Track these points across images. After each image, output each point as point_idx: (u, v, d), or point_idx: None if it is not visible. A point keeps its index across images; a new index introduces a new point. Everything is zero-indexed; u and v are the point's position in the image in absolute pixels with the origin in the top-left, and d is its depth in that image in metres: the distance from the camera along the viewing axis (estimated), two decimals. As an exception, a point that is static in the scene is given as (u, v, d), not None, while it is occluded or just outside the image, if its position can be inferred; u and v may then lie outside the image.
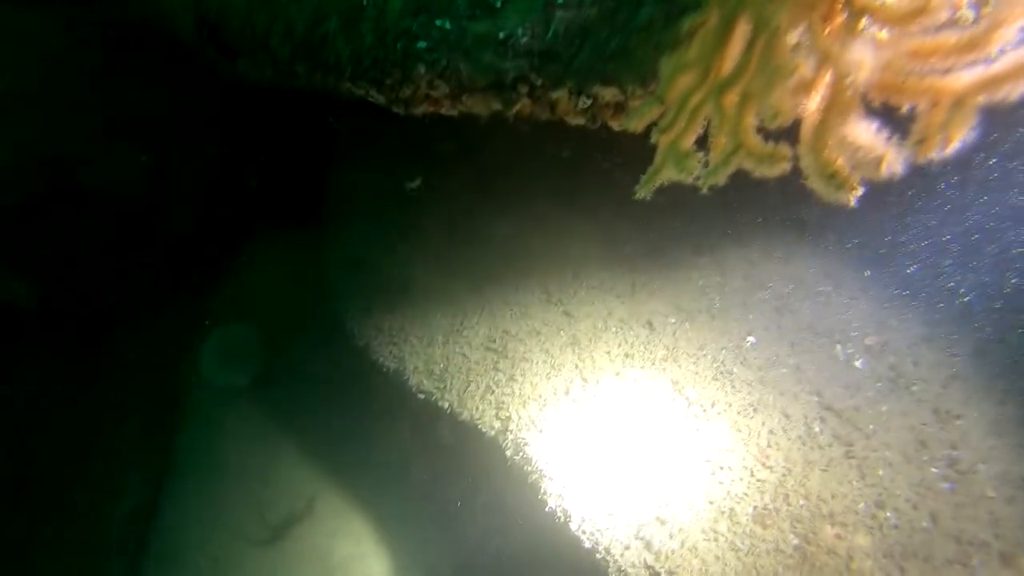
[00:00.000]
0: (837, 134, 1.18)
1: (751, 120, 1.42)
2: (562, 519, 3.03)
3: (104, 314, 5.73)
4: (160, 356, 5.76)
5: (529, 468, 3.19)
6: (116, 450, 5.51)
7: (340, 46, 2.18)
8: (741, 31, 1.64)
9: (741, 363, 3.25)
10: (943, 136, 1.11)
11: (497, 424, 3.34)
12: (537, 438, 3.23)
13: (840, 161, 1.17)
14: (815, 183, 1.22)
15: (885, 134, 1.12)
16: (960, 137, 1.11)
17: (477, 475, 3.66)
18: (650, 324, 3.50)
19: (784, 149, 1.31)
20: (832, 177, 1.18)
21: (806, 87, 1.28)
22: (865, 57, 1.13)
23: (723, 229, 3.68)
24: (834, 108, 1.20)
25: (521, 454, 3.24)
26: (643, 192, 1.65)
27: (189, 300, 5.83)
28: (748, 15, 1.59)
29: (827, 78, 1.29)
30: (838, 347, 3.24)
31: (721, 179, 1.44)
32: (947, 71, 1.15)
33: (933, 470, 2.76)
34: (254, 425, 5.30)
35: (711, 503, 2.83)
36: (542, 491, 3.12)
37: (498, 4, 1.99)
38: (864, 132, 1.14)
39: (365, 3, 2.12)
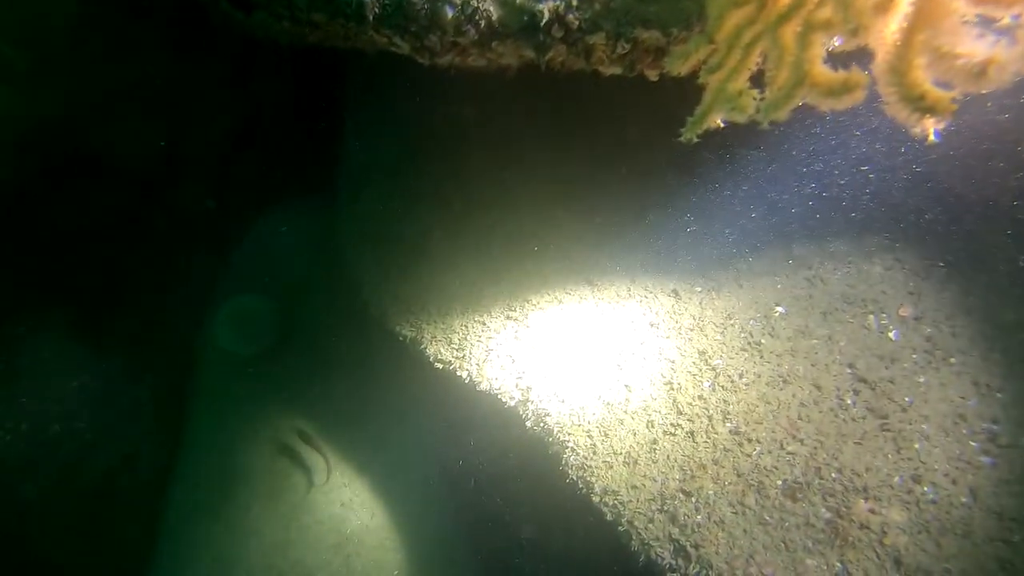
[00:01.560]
0: (927, 47, 1.06)
1: (817, 51, 1.29)
2: (584, 491, 2.96)
3: (117, 281, 5.70)
4: (174, 324, 5.73)
5: (550, 440, 3.12)
6: (129, 419, 5.50)
7: (362, -11, 2.06)
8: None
9: (770, 334, 3.15)
10: None
11: (518, 395, 3.26)
12: (559, 408, 3.15)
13: (928, 81, 1.05)
14: (897, 110, 1.10)
15: (989, 38, 0.99)
16: None
17: (497, 446, 3.60)
18: (676, 293, 3.39)
19: (859, 75, 1.19)
20: (920, 100, 1.06)
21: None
22: None
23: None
24: (924, 16, 1.07)
25: (542, 425, 3.16)
26: (690, 135, 1.53)
27: (202, 267, 5.78)
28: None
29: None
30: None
31: (783, 114, 1.32)
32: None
33: (973, 444, 2.66)
34: (269, 393, 5.27)
35: (739, 476, 2.75)
36: (563, 463, 3.05)
37: (531, -60, 1.86)
38: (962, 39, 1.01)
39: (389, -58, 2.00)
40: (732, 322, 3.20)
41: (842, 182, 3.37)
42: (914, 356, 2.97)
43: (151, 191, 5.76)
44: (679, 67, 1.68)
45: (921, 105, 1.06)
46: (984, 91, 0.97)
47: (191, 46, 5.25)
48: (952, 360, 2.92)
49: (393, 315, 3.78)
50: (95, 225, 5.58)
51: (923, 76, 1.07)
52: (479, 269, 3.65)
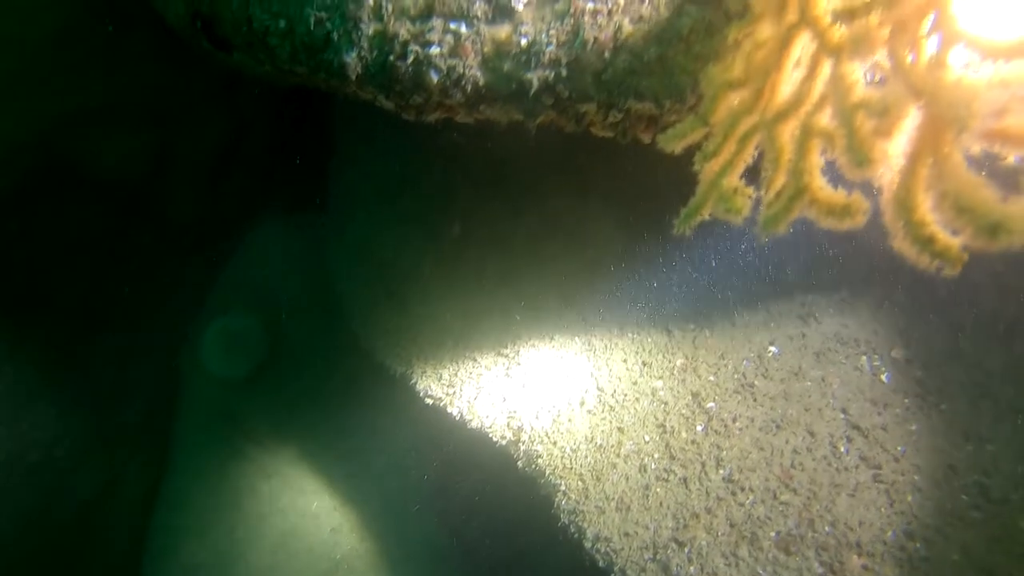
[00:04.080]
0: (932, 184, 1.01)
1: (816, 159, 1.24)
2: (576, 536, 2.94)
3: (101, 300, 5.61)
4: (160, 343, 5.65)
5: (542, 481, 3.09)
6: (116, 438, 5.44)
7: (344, 48, 1.99)
8: (799, 50, 1.46)
9: (763, 375, 3.12)
10: None
11: (509, 435, 3.23)
12: (550, 450, 3.12)
13: (935, 224, 1.00)
14: (905, 246, 1.05)
15: (998, 190, 0.94)
16: None
17: (488, 487, 3.56)
18: (668, 330, 3.36)
19: (860, 201, 1.14)
20: (929, 243, 1.01)
21: (888, 125, 1.10)
22: (974, 99, 0.95)
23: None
24: (927, 145, 1.02)
25: (534, 466, 3.13)
26: (682, 228, 1.48)
27: (190, 284, 5.69)
28: (809, 31, 1.40)
29: (914, 115, 1.11)
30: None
31: (781, 229, 1.27)
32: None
33: (964, 497, 2.64)
34: (256, 415, 5.21)
35: (732, 526, 2.73)
36: (555, 506, 3.02)
37: (519, 7, 1.79)
38: (969, 184, 0.96)
39: (373, 3, 1.92)
40: (725, 362, 3.17)
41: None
42: (906, 401, 2.95)
43: (136, 205, 5.65)
44: (672, 147, 1.62)
45: (930, 249, 1.02)
46: (995, 248, 0.92)
47: (177, 58, 5.13)
48: (943, 407, 2.90)
49: (383, 348, 3.74)
50: (77, 241, 5.47)
51: (931, 215, 1.02)
52: (470, 302, 3.59)
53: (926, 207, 1.03)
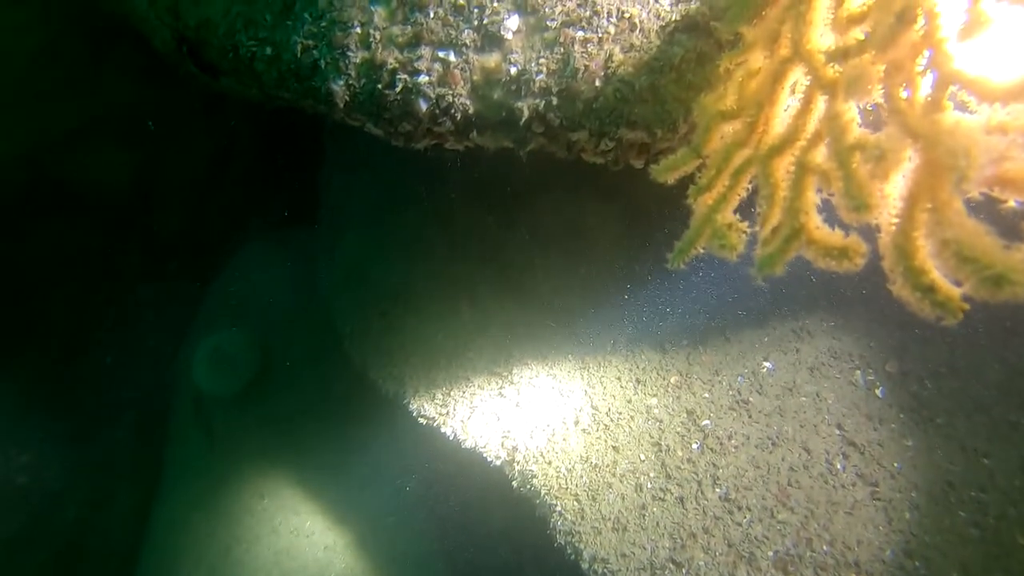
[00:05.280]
0: (931, 231, 0.99)
1: (812, 197, 1.23)
2: (572, 557, 2.91)
3: (89, 318, 5.54)
4: (150, 360, 5.59)
5: (537, 501, 3.07)
6: (105, 459, 5.37)
7: (331, 76, 1.96)
8: (792, 83, 1.44)
9: (758, 391, 3.10)
10: None
11: (503, 454, 3.20)
12: (545, 470, 3.09)
13: (935, 271, 0.98)
14: (904, 293, 1.03)
15: (999, 237, 0.92)
16: None
17: (483, 507, 3.53)
18: (662, 347, 3.34)
19: (858, 244, 1.12)
20: (929, 291, 0.99)
21: (885, 169, 1.08)
22: (973, 146, 0.93)
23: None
24: (926, 200, 1.00)
25: (529, 487, 3.10)
26: (676, 263, 1.46)
27: (179, 304, 5.64)
28: (802, 66, 1.39)
29: (911, 158, 1.10)
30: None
31: (778, 270, 1.25)
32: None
33: (962, 514, 2.63)
34: (248, 434, 5.16)
35: (730, 546, 2.71)
36: (550, 526, 3.00)
37: (508, 35, 1.77)
38: (969, 232, 0.94)
39: (360, 31, 1.89)
40: (720, 378, 3.16)
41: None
42: (901, 416, 2.94)
43: (123, 222, 5.59)
44: (665, 178, 1.61)
45: (931, 298, 1.00)
46: (998, 299, 0.90)
47: (163, 77, 5.08)
48: (939, 421, 2.90)
49: (375, 367, 3.70)
50: (64, 258, 5.41)
51: (931, 263, 1.00)
52: (463, 320, 3.56)
53: (925, 253, 1.01)
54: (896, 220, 1.06)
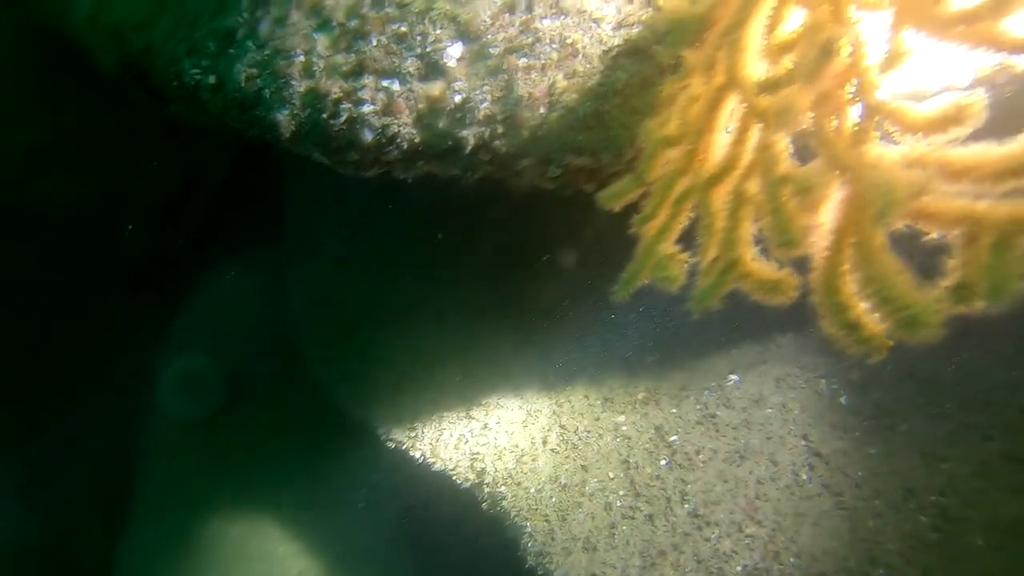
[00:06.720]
0: (857, 269, 0.99)
1: (748, 228, 1.22)
2: (543, 578, 2.88)
3: (51, 344, 5.40)
4: (117, 385, 5.47)
5: (508, 524, 3.03)
6: (71, 486, 5.23)
7: (276, 106, 1.92)
8: (730, 110, 1.44)
9: (725, 405, 3.11)
10: (993, 285, 0.90)
11: (472, 477, 3.16)
12: (515, 491, 3.06)
13: (862, 308, 0.98)
14: (832, 329, 1.03)
15: (921, 278, 0.92)
16: (1012, 292, 0.89)
17: (453, 530, 3.49)
18: (628, 363, 3.33)
19: (790, 279, 1.12)
20: (854, 328, 0.98)
21: (813, 202, 1.08)
22: (898, 173, 0.93)
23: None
24: (852, 234, 1.00)
25: (499, 508, 3.07)
26: (621, 295, 1.45)
27: (145, 328, 5.52)
28: (737, 94, 1.39)
29: (839, 190, 1.10)
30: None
31: (714, 303, 1.25)
32: (984, 196, 0.96)
33: (923, 519, 2.66)
34: (217, 459, 5.05)
35: (699, 562, 2.70)
36: (521, 548, 2.97)
37: (451, 63, 1.76)
38: (891, 272, 0.94)
39: (304, 60, 1.87)
40: (687, 393, 3.16)
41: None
42: (865, 424, 2.97)
43: (86, 247, 5.48)
44: (611, 205, 1.60)
45: (855, 335, 1.00)
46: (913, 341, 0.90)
47: (122, 100, 4.99)
48: (902, 428, 2.93)
49: (343, 392, 3.65)
50: (24, 283, 5.28)
51: (856, 298, 1.00)
52: (430, 344, 3.53)
53: (851, 289, 1.01)
54: (825, 253, 1.06)
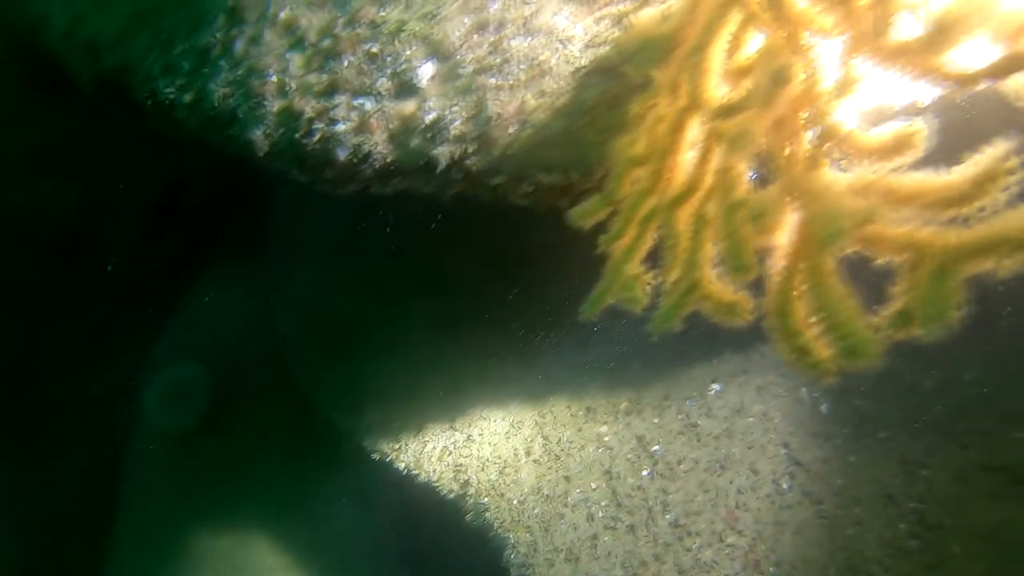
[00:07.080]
0: (808, 294, 1.01)
1: (709, 250, 1.24)
2: (527, 589, 2.89)
3: (36, 356, 5.37)
4: (103, 396, 5.43)
5: (491, 535, 3.04)
6: (55, 498, 5.19)
7: (250, 125, 1.93)
8: (694, 132, 1.46)
9: (706, 414, 3.13)
10: (931, 312, 0.92)
11: (456, 488, 3.17)
12: (498, 503, 3.07)
13: (812, 333, 1.00)
14: (783, 352, 1.05)
15: (871, 306, 0.94)
16: (950, 319, 0.91)
17: (437, 541, 3.49)
18: (611, 373, 3.35)
19: (745, 302, 1.13)
20: (801, 353, 1.00)
21: (766, 226, 1.10)
22: (846, 201, 0.95)
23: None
24: (803, 260, 1.02)
25: (482, 520, 3.08)
26: (589, 314, 1.47)
27: (132, 338, 5.50)
28: (700, 116, 1.41)
29: (792, 215, 1.12)
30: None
31: (674, 324, 1.26)
32: (929, 223, 0.98)
33: (902, 526, 2.68)
34: (204, 470, 5.03)
35: (680, 572, 2.71)
36: (504, 560, 2.97)
37: (423, 83, 1.77)
38: (838, 299, 0.96)
39: (277, 79, 1.88)
40: (669, 403, 3.18)
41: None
42: (845, 431, 2.99)
43: (71, 257, 5.45)
44: (581, 224, 1.61)
45: (803, 361, 1.01)
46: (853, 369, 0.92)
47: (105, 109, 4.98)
48: (881, 435, 2.95)
49: (329, 402, 3.65)
50: (9, 296, 5.25)
51: (805, 324, 1.02)
52: (416, 354, 3.53)
53: (801, 315, 1.03)
54: (778, 278, 1.07)
